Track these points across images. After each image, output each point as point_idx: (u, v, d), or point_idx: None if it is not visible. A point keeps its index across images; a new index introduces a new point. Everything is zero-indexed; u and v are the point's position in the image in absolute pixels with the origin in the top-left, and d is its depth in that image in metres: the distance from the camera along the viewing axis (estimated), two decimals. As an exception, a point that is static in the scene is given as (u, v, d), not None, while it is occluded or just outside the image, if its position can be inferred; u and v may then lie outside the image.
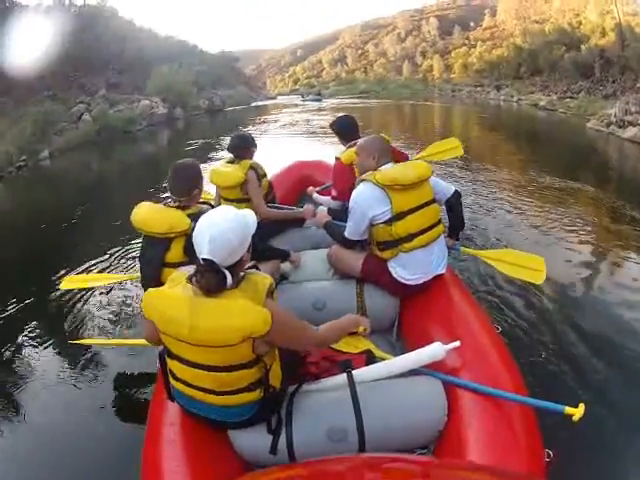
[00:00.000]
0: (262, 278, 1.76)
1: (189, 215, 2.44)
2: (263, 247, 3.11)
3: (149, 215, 2.61)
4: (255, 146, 3.93)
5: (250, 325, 1.60)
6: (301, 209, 3.92)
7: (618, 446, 2.50)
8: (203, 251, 1.62)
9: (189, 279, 1.71)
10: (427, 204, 2.84)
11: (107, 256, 5.70)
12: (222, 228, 1.65)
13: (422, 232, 2.80)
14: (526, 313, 3.85)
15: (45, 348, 3.83)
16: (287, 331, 1.76)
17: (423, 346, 2.23)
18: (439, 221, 2.93)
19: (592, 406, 1.92)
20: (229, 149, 3.84)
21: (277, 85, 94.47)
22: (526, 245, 5.00)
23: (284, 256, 3.21)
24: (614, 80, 21.46)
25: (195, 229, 1.68)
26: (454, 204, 3.14)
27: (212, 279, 1.63)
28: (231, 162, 3.81)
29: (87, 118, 22.18)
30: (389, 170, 2.82)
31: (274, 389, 1.86)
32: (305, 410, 1.99)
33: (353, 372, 2.15)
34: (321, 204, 4.18)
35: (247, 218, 1.77)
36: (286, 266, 3.27)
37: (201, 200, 2.78)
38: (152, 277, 2.52)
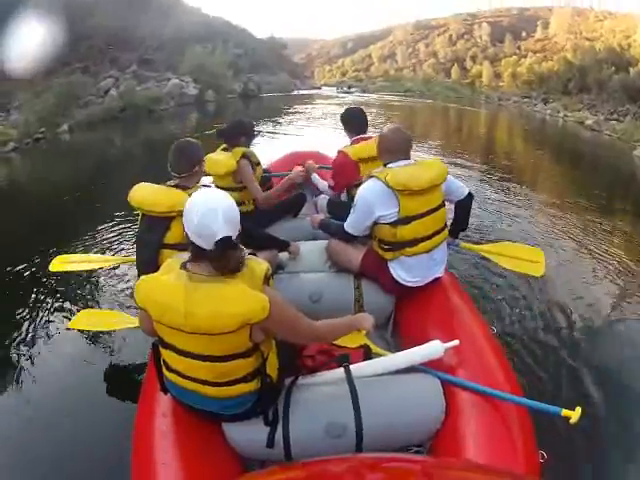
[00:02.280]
0: (259, 264, 1.73)
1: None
2: (263, 235, 3.16)
3: (149, 194, 2.59)
4: (251, 133, 3.89)
5: (248, 311, 1.58)
6: (291, 174, 3.92)
7: (611, 449, 2.57)
8: (218, 231, 1.60)
9: (183, 266, 1.69)
10: (436, 209, 2.78)
11: (108, 235, 5.90)
12: (227, 202, 1.67)
13: (427, 237, 2.76)
14: (522, 313, 3.91)
15: (31, 333, 3.84)
16: (284, 320, 1.74)
17: (419, 344, 2.24)
18: (445, 226, 2.90)
19: (587, 408, 1.93)
20: (219, 134, 3.76)
21: (325, 75, 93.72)
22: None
23: (284, 246, 3.19)
24: (662, 107, 21.46)
25: (198, 215, 1.61)
26: (464, 206, 3.10)
27: (237, 256, 1.65)
28: (225, 149, 3.77)
29: (113, 93, 22.12)
30: (401, 171, 2.71)
31: (271, 380, 1.84)
32: (303, 404, 1.97)
33: (351, 367, 2.15)
34: (317, 186, 4.18)
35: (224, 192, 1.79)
36: (283, 256, 3.23)
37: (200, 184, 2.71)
38: (150, 259, 2.46)
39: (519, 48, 62.63)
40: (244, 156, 3.63)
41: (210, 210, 1.59)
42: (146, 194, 2.58)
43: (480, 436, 1.86)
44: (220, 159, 3.63)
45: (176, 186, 2.60)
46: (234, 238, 1.63)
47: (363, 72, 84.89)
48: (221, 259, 1.60)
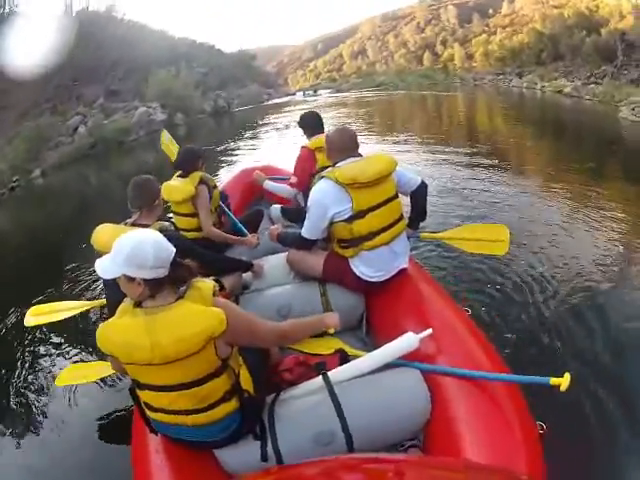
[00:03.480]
0: (204, 283, 1.81)
1: None
2: (224, 260, 3.19)
3: (110, 236, 2.49)
4: (203, 157, 3.88)
5: (208, 327, 1.64)
6: (244, 238, 3.82)
7: (609, 409, 2.60)
8: (172, 253, 1.74)
9: (137, 304, 1.75)
10: (389, 200, 2.81)
11: (84, 278, 5.80)
12: (154, 236, 1.75)
13: (384, 230, 2.79)
14: (493, 290, 3.91)
15: (17, 393, 3.82)
16: (243, 326, 1.82)
17: (395, 339, 2.25)
18: (401, 216, 2.92)
19: (577, 374, 1.95)
20: (176, 166, 3.80)
21: (299, 81, 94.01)
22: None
23: (247, 267, 3.20)
24: (637, 64, 20.91)
25: (153, 249, 1.69)
26: (419, 196, 3.12)
27: (183, 270, 1.78)
28: (181, 176, 3.75)
29: (82, 131, 21.95)
30: (348, 167, 2.77)
31: (249, 394, 1.89)
32: (287, 418, 2.00)
33: (329, 373, 2.16)
34: (272, 191, 4.33)
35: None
36: (247, 275, 3.26)
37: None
38: (118, 300, 2.39)
39: (487, 26, 62.64)
40: (202, 181, 3.64)
41: (147, 240, 1.68)
42: (108, 236, 2.55)
43: (472, 419, 1.86)
44: (177, 185, 3.63)
45: (138, 225, 2.62)
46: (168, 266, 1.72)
47: (336, 72, 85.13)
48: (178, 272, 1.73)
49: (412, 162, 8.87)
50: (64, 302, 4.10)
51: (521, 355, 3.08)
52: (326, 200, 2.75)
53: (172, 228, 3.06)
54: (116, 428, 3.18)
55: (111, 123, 23.65)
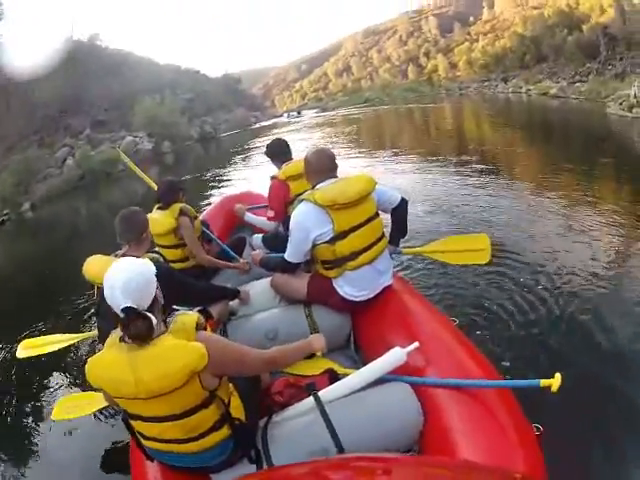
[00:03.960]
0: (188, 316, 1.79)
1: None
2: (209, 289, 3.19)
3: (101, 267, 2.50)
4: (183, 189, 3.89)
5: (189, 362, 1.62)
6: (236, 263, 3.84)
7: (605, 408, 2.59)
8: (121, 302, 1.64)
9: (121, 339, 1.72)
10: (370, 219, 2.79)
11: (75, 310, 5.67)
12: (126, 274, 1.69)
13: (366, 249, 2.78)
14: (478, 299, 3.89)
15: (15, 427, 3.78)
16: (228, 357, 1.79)
17: (383, 354, 2.26)
18: (383, 234, 2.91)
19: (569, 374, 1.93)
20: (158, 199, 3.81)
21: (286, 102, 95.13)
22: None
23: (233, 294, 3.19)
24: (621, 57, 20.81)
25: (106, 287, 1.68)
26: (400, 213, 3.09)
27: (140, 324, 1.64)
28: (160, 208, 3.78)
29: (70, 163, 21.97)
30: (328, 188, 2.75)
31: (240, 422, 1.89)
32: (281, 440, 2.01)
33: (319, 393, 2.16)
34: (254, 224, 4.35)
35: (142, 260, 1.83)
36: (234, 302, 3.25)
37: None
38: (109, 330, 2.28)
39: (469, 34, 63.55)
40: (182, 213, 3.62)
41: (112, 282, 1.66)
42: (98, 267, 2.57)
43: (467, 426, 1.84)
44: (158, 218, 3.61)
45: (129, 256, 2.46)
46: (140, 307, 1.64)
47: (322, 91, 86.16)
48: (129, 329, 1.63)
49: (398, 178, 8.63)
50: (56, 335, 4.09)
51: (511, 360, 3.06)
52: (307, 223, 2.73)
53: (162, 260, 3.01)
54: (115, 457, 3.14)
55: (98, 154, 23.63)
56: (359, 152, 13.18)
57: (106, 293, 1.68)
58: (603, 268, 4.12)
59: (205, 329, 1.82)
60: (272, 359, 2.00)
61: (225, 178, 13.91)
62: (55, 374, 4.39)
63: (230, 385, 1.94)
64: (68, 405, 3.25)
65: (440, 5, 79.42)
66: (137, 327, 1.64)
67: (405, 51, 74.05)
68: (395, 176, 8.88)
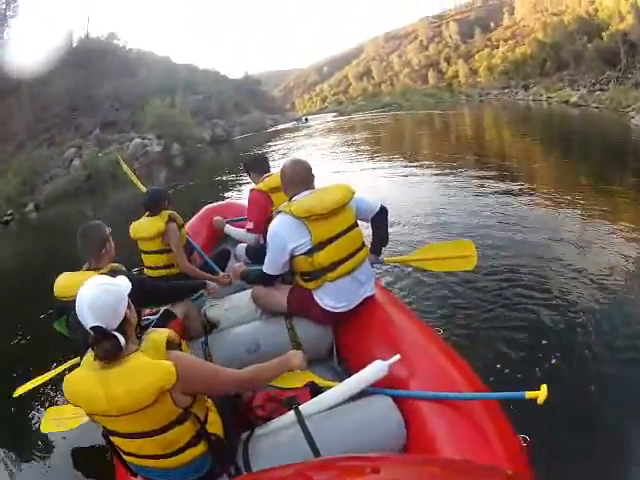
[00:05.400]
0: (158, 334, 1.79)
1: (102, 274, 2.38)
2: (177, 288, 3.18)
3: (67, 282, 2.65)
4: (168, 197, 3.94)
5: (157, 380, 1.63)
6: (216, 276, 3.76)
7: (591, 416, 2.66)
8: (89, 321, 1.66)
9: (96, 356, 1.73)
10: (349, 229, 2.78)
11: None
12: (95, 292, 1.70)
13: (346, 259, 2.76)
14: (465, 308, 3.88)
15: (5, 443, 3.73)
16: (199, 376, 1.80)
17: (366, 366, 2.25)
18: (362, 244, 2.88)
19: (557, 385, 1.98)
20: (145, 207, 3.85)
21: (306, 105, 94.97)
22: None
23: (198, 287, 3.26)
24: (640, 66, 20.72)
25: (76, 307, 1.70)
26: (380, 221, 3.09)
27: (107, 345, 1.67)
28: (149, 215, 3.81)
29: (77, 163, 21.85)
30: (304, 199, 2.75)
31: (218, 438, 1.89)
32: (262, 455, 1.99)
33: (300, 407, 2.15)
34: (234, 237, 4.38)
35: (115, 279, 1.82)
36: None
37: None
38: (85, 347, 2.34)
39: (490, 40, 62.89)
40: (171, 219, 3.70)
41: (81, 301, 1.67)
42: (65, 282, 2.66)
43: (451, 440, 1.84)
44: (147, 222, 3.71)
45: (90, 269, 2.67)
46: (108, 326, 1.67)
47: (342, 94, 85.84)
48: (97, 349, 1.66)
49: (414, 188, 8.64)
50: (44, 375, 3.96)
51: (498, 372, 3.07)
52: (284, 235, 2.73)
53: (123, 269, 2.90)
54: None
55: (105, 155, 23.26)
56: (367, 162, 12.88)
57: (77, 311, 1.69)
58: (594, 283, 4.09)
59: (180, 345, 1.85)
60: (247, 379, 1.99)
61: (231, 182, 13.97)
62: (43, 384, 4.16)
63: (209, 400, 1.96)
64: (55, 417, 3.25)
65: (461, 10, 78.81)
66: (103, 347, 1.66)
67: (426, 56, 73.56)
68: (412, 186, 8.82)
